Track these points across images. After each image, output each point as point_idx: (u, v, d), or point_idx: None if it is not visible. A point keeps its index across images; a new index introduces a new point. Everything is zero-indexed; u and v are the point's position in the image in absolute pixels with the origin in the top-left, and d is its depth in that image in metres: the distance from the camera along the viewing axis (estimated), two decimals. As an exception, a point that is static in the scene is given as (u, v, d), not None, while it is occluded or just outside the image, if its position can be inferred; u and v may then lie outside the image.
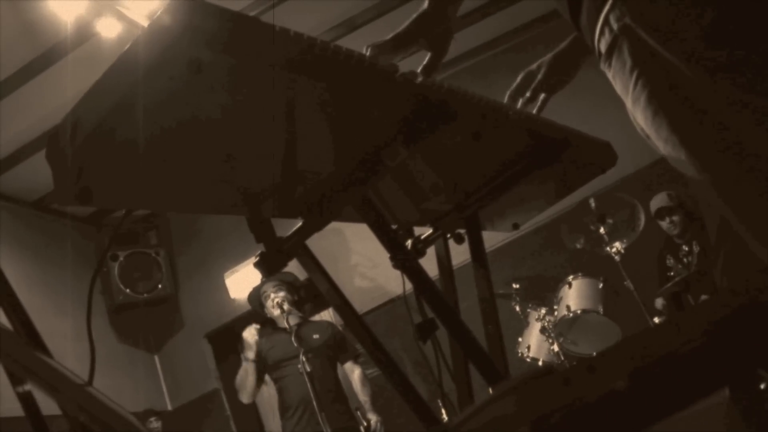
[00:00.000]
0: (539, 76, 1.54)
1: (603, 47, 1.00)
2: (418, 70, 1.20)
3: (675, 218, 4.25)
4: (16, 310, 0.98)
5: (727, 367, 0.38)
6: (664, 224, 4.30)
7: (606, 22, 0.97)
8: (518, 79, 1.57)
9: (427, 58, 1.22)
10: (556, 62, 1.55)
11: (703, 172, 0.93)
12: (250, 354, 3.89)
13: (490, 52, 5.49)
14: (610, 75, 1.03)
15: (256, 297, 4.12)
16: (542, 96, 1.56)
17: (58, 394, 0.70)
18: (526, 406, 0.35)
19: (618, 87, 1.02)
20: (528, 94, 1.54)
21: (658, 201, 4.28)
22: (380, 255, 1.33)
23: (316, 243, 1.26)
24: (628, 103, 1.00)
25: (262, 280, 3.97)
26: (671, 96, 0.92)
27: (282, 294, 3.97)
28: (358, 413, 3.89)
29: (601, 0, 0.97)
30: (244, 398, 4.02)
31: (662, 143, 0.96)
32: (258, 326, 3.88)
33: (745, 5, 0.85)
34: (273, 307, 3.95)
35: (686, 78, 0.88)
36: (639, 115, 0.99)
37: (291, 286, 4.07)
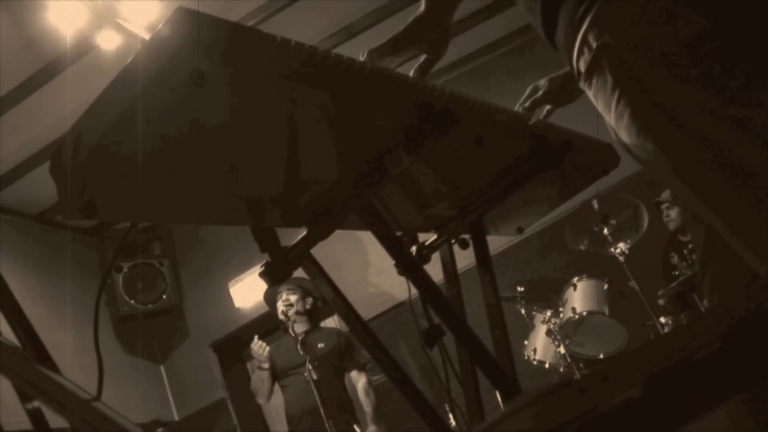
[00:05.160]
0: (541, 91, 1.56)
1: (582, 66, 0.99)
2: (412, 71, 1.21)
3: (671, 213, 4.27)
4: (21, 324, 0.98)
5: (743, 372, 0.37)
6: (663, 216, 4.32)
7: (584, 41, 0.96)
8: (527, 91, 1.59)
9: (422, 59, 1.22)
10: (564, 79, 1.57)
11: (691, 188, 0.93)
12: (265, 364, 3.91)
13: (490, 55, 5.50)
14: (590, 94, 1.02)
15: (272, 297, 4.12)
16: (548, 107, 1.59)
17: (65, 411, 0.70)
18: (543, 420, 0.34)
19: (600, 105, 1.01)
20: (527, 104, 1.56)
21: (663, 194, 4.29)
22: (385, 261, 1.33)
23: (320, 250, 1.26)
24: (611, 120, 0.99)
25: (267, 288, 3.98)
26: (654, 113, 0.91)
27: (293, 298, 3.98)
28: (355, 426, 3.87)
29: (578, 19, 0.96)
30: (261, 400, 4.10)
31: (649, 160, 0.96)
32: (261, 342, 3.90)
33: (726, 19, 0.84)
34: (280, 313, 3.96)
35: (669, 94, 0.87)
36: (623, 133, 0.98)
37: (306, 292, 4.07)
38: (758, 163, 0.82)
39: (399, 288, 4.83)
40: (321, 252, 1.25)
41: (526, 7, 1.08)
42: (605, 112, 1.00)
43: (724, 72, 0.83)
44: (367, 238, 1.29)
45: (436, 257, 1.68)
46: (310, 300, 4.08)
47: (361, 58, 1.14)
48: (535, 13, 1.06)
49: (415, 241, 1.61)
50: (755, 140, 0.81)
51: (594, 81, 0.98)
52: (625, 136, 0.98)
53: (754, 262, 0.90)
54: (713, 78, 0.83)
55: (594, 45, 0.94)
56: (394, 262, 1.32)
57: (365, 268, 5.41)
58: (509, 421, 0.36)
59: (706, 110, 0.84)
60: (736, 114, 0.82)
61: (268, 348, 3.90)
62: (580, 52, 0.98)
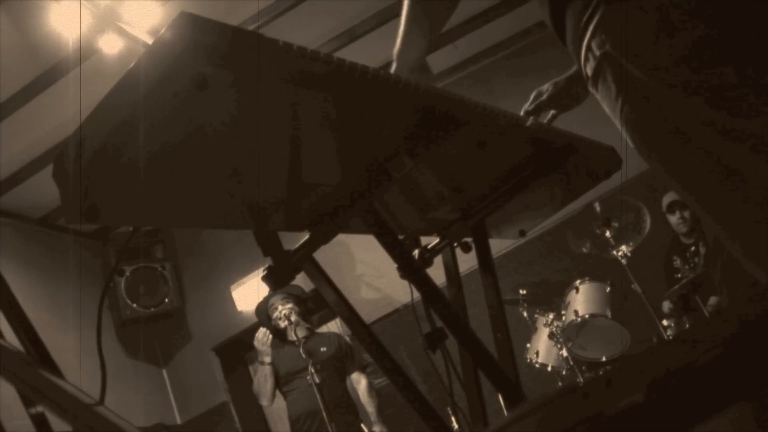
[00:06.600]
0: (545, 95, 1.58)
1: (589, 71, 1.02)
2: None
3: (686, 214, 4.25)
4: (24, 327, 0.98)
5: (747, 377, 0.37)
6: (674, 219, 4.29)
7: (589, 48, 0.98)
8: (531, 96, 1.62)
9: None
10: (567, 83, 1.59)
11: (694, 197, 0.94)
12: (267, 358, 3.90)
13: (492, 58, 5.50)
14: (598, 97, 1.04)
15: (264, 309, 4.13)
16: (552, 112, 1.60)
17: (68, 416, 0.70)
18: (547, 426, 0.34)
19: (606, 110, 1.03)
20: (532, 109, 1.57)
21: (673, 194, 4.27)
22: (387, 265, 1.32)
23: (322, 254, 1.25)
24: (617, 125, 1.02)
25: (269, 292, 3.98)
26: (656, 122, 0.93)
27: (289, 306, 3.97)
28: (362, 425, 3.87)
29: (582, 26, 0.98)
30: (264, 402, 4.05)
31: (652, 163, 0.98)
32: (266, 330, 3.89)
33: (724, 28, 0.84)
34: (280, 319, 3.96)
35: (669, 104, 0.88)
36: (628, 138, 1.00)
37: (298, 298, 4.08)
38: (756, 171, 0.82)
39: (401, 291, 4.82)
40: (322, 255, 1.25)
41: (539, 6, 1.10)
42: (611, 117, 1.02)
43: (722, 82, 0.83)
44: (369, 241, 1.29)
45: (438, 260, 1.68)
46: (303, 305, 4.10)
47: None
48: (545, 15, 1.08)
49: (417, 244, 1.61)
50: (753, 150, 0.82)
51: (599, 87, 1.00)
52: (630, 142, 0.99)
53: (751, 267, 0.90)
54: (711, 88, 0.84)
55: (597, 53, 0.95)
56: (396, 265, 1.32)
57: (367, 272, 5.41)
58: (513, 427, 0.36)
59: (705, 121, 0.85)
60: (735, 126, 0.83)
61: (271, 337, 3.88)
62: (586, 58, 1.00)
